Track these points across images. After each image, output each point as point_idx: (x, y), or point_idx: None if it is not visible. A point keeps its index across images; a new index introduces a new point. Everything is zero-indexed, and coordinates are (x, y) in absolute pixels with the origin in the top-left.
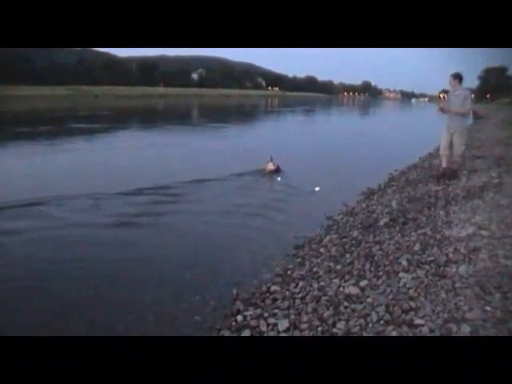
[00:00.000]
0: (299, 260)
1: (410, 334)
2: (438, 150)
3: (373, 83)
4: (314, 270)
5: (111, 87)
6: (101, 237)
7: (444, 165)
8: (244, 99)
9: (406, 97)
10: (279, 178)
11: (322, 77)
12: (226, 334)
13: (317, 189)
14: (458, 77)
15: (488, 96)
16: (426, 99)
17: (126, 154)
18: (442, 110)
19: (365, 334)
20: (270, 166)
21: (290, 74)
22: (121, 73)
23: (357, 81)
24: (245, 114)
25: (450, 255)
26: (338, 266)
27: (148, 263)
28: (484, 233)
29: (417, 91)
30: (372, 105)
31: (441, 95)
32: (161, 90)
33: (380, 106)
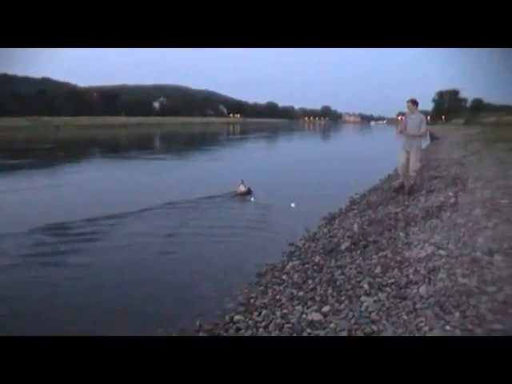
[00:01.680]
0: (262, 288)
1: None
2: (396, 170)
3: (332, 107)
4: (277, 297)
5: (72, 118)
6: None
7: (401, 179)
8: (205, 127)
9: (366, 120)
10: (252, 199)
11: (282, 103)
12: None
13: (292, 205)
14: (414, 102)
15: (443, 117)
16: (384, 122)
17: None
18: (400, 132)
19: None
20: (242, 188)
21: (251, 101)
22: (82, 103)
23: (317, 106)
24: (207, 141)
25: (411, 276)
26: (301, 293)
27: (111, 293)
28: (442, 252)
29: (375, 114)
30: (332, 129)
31: (399, 117)
32: (122, 119)
33: (340, 130)
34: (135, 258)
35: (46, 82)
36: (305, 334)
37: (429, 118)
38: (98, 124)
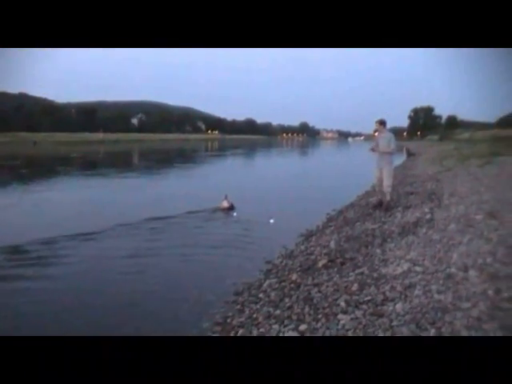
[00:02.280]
0: (239, 307)
1: None
2: (374, 187)
3: (310, 124)
4: (254, 316)
5: (50, 134)
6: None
7: (379, 196)
8: (184, 143)
9: (343, 136)
10: (235, 214)
11: (260, 119)
12: None
13: (271, 221)
14: (382, 123)
15: (418, 134)
16: (361, 138)
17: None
18: (373, 150)
19: None
20: (225, 204)
21: (230, 118)
22: (60, 119)
23: (295, 122)
24: (185, 158)
25: (387, 293)
26: (278, 311)
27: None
28: (418, 269)
29: (353, 130)
30: (310, 145)
31: (375, 134)
32: (100, 135)
33: (318, 146)
34: (106, 278)
35: (23, 97)
36: None
37: (405, 134)
38: (76, 140)
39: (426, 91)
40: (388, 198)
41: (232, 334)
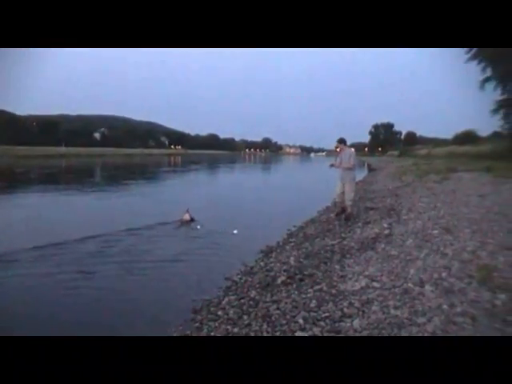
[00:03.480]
0: (197, 325)
1: None
2: (334, 203)
3: (273, 140)
4: (212, 334)
5: (10, 147)
6: None
7: (339, 206)
8: (147, 158)
9: (306, 152)
10: (199, 226)
11: (223, 134)
12: None
13: (235, 231)
14: (342, 141)
15: (379, 149)
16: (323, 153)
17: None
18: (333, 166)
19: None
20: (187, 217)
21: (193, 133)
22: (20, 131)
23: (258, 138)
24: (148, 173)
25: (345, 310)
26: (236, 329)
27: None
28: (376, 284)
29: (315, 146)
30: (273, 160)
31: (337, 149)
32: (62, 149)
33: (281, 162)
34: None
35: None
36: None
37: (366, 149)
38: (37, 154)
39: (384, 107)
40: (349, 210)
41: None
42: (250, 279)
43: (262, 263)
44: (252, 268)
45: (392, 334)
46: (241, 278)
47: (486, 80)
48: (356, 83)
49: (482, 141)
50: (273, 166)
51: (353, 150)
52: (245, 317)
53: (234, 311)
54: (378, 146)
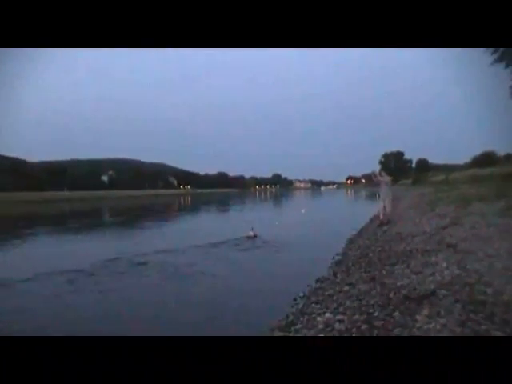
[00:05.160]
0: None
1: None
2: (354, 236)
3: (283, 175)
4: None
5: (12, 193)
6: None
7: (381, 217)
8: (155, 199)
9: (316, 185)
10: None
11: (232, 172)
12: None
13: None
14: (382, 169)
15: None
16: (334, 186)
17: None
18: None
19: None
20: (251, 233)
21: (202, 172)
22: (27, 177)
23: (267, 174)
24: (157, 216)
25: None
26: None
27: None
28: None
29: (325, 179)
30: (284, 196)
31: (348, 181)
32: (65, 194)
33: (292, 197)
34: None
35: None
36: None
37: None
38: (37, 199)
39: (395, 136)
40: (387, 218)
41: None
42: None
43: None
44: None
45: None
46: None
47: None
48: (361, 110)
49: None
50: (284, 202)
51: (390, 178)
52: None
53: None
54: (389, 175)
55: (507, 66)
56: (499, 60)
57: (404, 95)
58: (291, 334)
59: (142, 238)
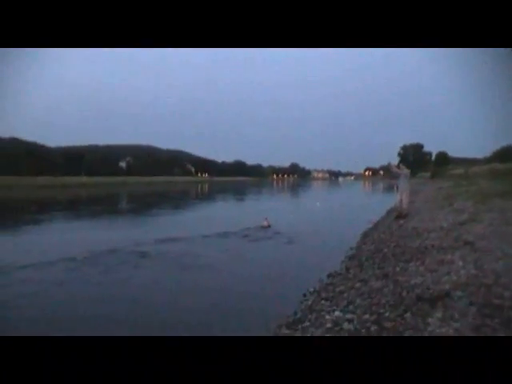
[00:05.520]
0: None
1: None
2: (367, 231)
3: (301, 165)
4: None
5: (32, 178)
6: None
7: (400, 210)
8: (172, 186)
9: (334, 176)
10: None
11: (250, 161)
12: None
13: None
14: (400, 162)
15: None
16: (352, 177)
17: None
18: (392, 172)
19: None
20: (264, 223)
21: (219, 160)
22: (45, 162)
23: (285, 163)
24: (173, 204)
25: None
26: None
27: None
28: None
29: (343, 170)
30: (302, 186)
31: (366, 173)
32: (83, 179)
33: (310, 187)
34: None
35: (13, 141)
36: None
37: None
38: (58, 184)
39: (413, 129)
40: (405, 212)
41: None
42: None
43: None
44: None
45: None
46: None
47: None
48: (383, 107)
49: None
50: (301, 193)
51: (409, 171)
52: None
53: None
54: (408, 168)
55: None
56: None
57: (426, 89)
58: (298, 333)
59: (152, 227)
